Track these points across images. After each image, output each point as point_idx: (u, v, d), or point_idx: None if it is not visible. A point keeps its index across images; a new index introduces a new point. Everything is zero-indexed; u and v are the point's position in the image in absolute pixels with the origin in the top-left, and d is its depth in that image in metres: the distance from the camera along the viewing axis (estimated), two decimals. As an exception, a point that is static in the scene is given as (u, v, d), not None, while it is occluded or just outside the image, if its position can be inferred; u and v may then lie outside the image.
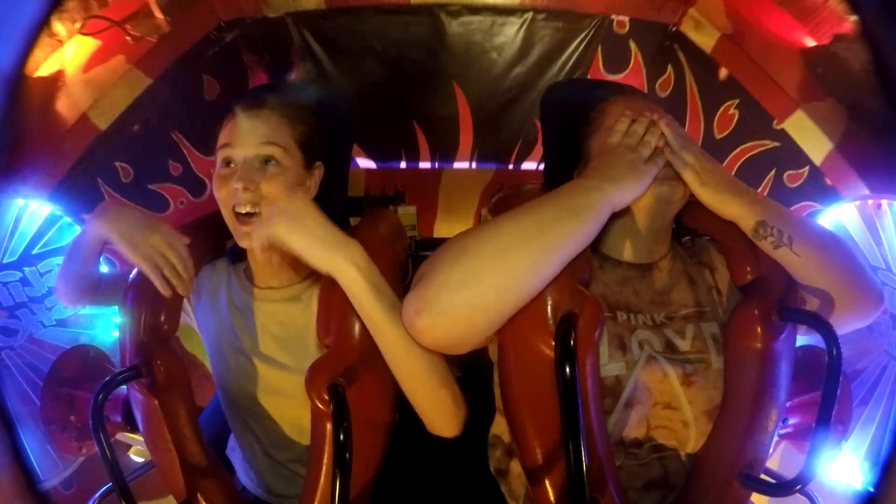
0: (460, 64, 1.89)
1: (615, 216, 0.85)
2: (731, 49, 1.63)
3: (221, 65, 1.75)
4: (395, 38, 1.81)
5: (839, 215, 1.36)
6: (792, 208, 1.44)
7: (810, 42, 1.45)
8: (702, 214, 0.90)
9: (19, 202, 1.31)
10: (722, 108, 1.69)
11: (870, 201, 1.30)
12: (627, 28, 1.85)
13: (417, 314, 0.67)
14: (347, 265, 0.75)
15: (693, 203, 0.87)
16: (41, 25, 0.45)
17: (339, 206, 1.02)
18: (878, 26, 0.46)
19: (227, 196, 0.85)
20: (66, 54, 1.55)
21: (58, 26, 1.61)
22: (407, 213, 1.36)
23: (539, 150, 2.11)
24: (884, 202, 1.28)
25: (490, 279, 0.65)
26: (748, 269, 0.82)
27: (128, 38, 1.58)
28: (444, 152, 2.16)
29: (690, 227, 0.95)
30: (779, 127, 1.52)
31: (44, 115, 1.54)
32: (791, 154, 1.50)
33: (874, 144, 1.37)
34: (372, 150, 2.16)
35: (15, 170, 1.35)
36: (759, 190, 1.48)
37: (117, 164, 1.60)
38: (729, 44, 1.64)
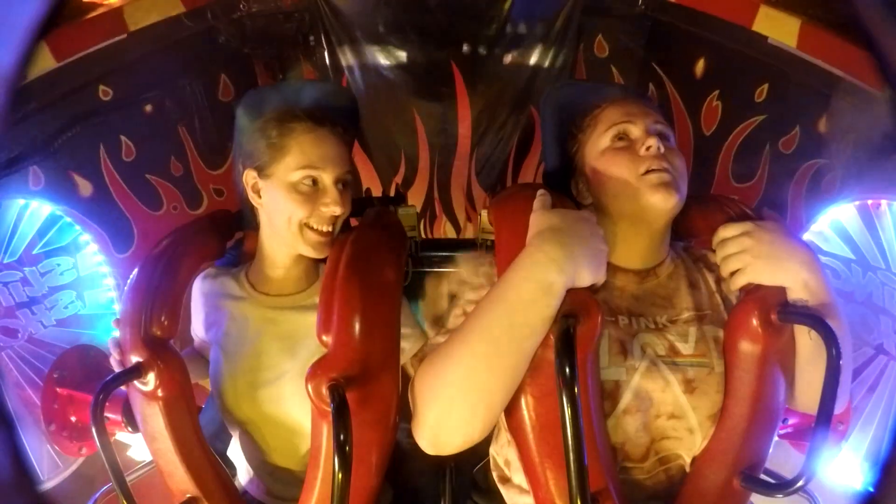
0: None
1: (610, 223, 0.85)
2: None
3: (233, 65, 1.68)
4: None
5: (839, 215, 1.35)
6: (801, 168, 1.46)
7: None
8: (699, 217, 0.90)
9: (19, 202, 1.31)
10: (705, 103, 1.75)
11: (869, 201, 1.30)
12: (607, 52, 2.04)
13: (431, 446, 0.75)
14: None
15: (690, 206, 0.86)
16: (41, 25, 0.45)
17: None
18: (878, 26, 0.46)
19: (307, 214, 0.89)
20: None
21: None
22: (407, 213, 1.35)
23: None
24: (884, 202, 1.28)
25: (467, 407, 0.71)
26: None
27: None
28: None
29: (689, 230, 0.95)
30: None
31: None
32: (778, 120, 1.52)
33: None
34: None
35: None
36: (759, 169, 1.57)
37: (122, 137, 1.49)
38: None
